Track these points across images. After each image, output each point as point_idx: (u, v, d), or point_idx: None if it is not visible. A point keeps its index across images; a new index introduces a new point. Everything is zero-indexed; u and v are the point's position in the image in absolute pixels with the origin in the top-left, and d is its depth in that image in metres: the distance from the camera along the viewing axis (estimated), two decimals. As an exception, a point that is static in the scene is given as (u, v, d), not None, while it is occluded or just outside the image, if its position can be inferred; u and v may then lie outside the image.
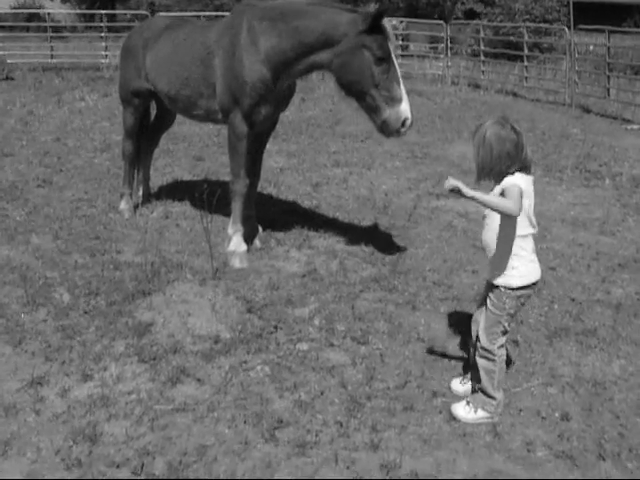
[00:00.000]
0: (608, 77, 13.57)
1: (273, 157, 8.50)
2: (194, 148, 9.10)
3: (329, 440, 3.10)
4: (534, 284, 3.21)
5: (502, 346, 3.26)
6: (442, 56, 18.53)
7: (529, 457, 3.03)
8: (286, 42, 4.66)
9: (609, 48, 13.67)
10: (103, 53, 18.91)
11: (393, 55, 4.51)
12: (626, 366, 3.78)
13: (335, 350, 3.90)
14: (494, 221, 3.16)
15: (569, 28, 14.67)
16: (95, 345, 3.88)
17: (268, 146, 7.54)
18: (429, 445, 3.09)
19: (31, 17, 27.15)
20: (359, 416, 3.27)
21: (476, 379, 3.36)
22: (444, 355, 3.87)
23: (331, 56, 4.57)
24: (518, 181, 3.03)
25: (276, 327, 4.12)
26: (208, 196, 5.18)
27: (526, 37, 16.47)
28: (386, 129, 4.60)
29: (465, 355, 3.79)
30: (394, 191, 7.20)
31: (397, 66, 4.55)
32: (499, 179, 3.07)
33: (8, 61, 17.18)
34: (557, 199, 7.05)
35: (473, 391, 3.40)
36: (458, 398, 3.42)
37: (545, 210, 6.54)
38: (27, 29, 25.67)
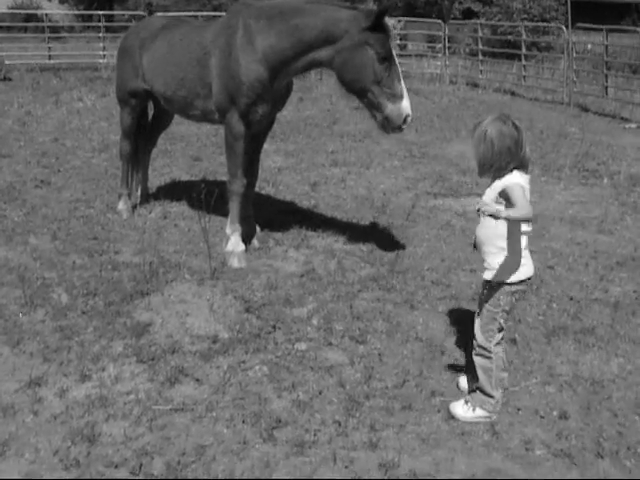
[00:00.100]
0: (606, 76, 13.59)
1: (271, 157, 8.50)
2: (192, 148, 9.10)
3: (327, 439, 3.10)
4: (528, 279, 3.22)
5: (498, 344, 3.27)
6: (440, 55, 18.55)
7: (527, 456, 3.03)
8: (285, 40, 4.66)
9: (607, 47, 13.70)
10: (101, 53, 18.90)
11: (394, 52, 4.55)
12: (624, 364, 3.78)
13: (333, 350, 3.90)
14: (489, 217, 3.16)
15: (567, 27, 14.69)
16: (93, 345, 3.88)
17: (266, 146, 7.54)
18: (427, 444, 3.09)
19: (29, 18, 27.14)
20: (357, 415, 3.27)
21: (475, 378, 3.36)
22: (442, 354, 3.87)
23: (332, 53, 4.58)
24: (519, 180, 3.04)
25: (274, 327, 4.12)
26: (206, 196, 5.18)
27: (524, 36, 16.48)
28: (388, 125, 4.64)
29: (464, 354, 3.79)
30: (392, 190, 7.20)
31: (397, 63, 4.58)
32: (498, 175, 3.09)
33: (6, 62, 17.16)
34: (555, 198, 7.06)
35: (472, 390, 3.40)
36: (457, 397, 3.42)
37: (543, 209, 6.55)
38: (25, 30, 25.68)
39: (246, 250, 5.20)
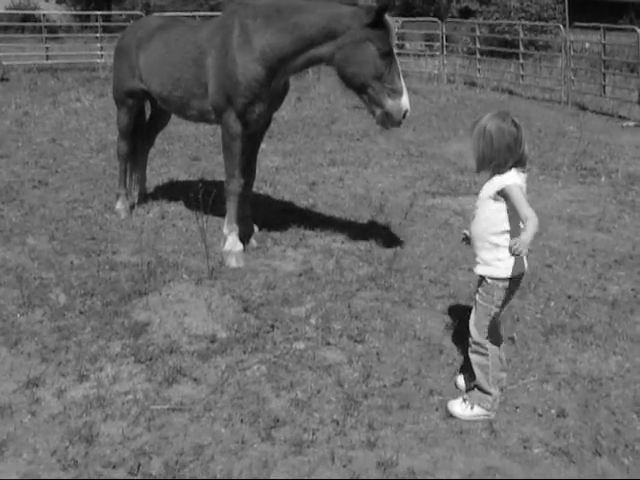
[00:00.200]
0: (604, 74, 13.61)
1: (269, 156, 8.50)
2: (190, 148, 9.10)
3: (326, 439, 3.10)
4: (521, 275, 3.23)
5: None
6: (438, 54, 18.54)
7: (525, 454, 3.03)
8: (285, 38, 4.65)
9: (605, 45, 13.72)
10: (98, 53, 18.91)
11: (394, 48, 4.58)
12: (622, 362, 3.79)
13: (332, 349, 3.90)
14: (484, 212, 3.19)
15: (565, 26, 14.69)
16: (91, 346, 3.88)
17: (264, 145, 7.54)
18: (426, 443, 3.09)
19: (26, 18, 27.11)
20: (356, 414, 3.27)
21: (472, 376, 3.37)
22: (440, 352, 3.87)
23: (333, 49, 4.59)
24: (517, 180, 3.07)
25: (272, 326, 4.12)
26: (204, 196, 5.17)
27: (522, 35, 16.47)
28: (387, 121, 4.66)
29: (462, 352, 3.79)
30: (390, 189, 7.20)
31: (397, 59, 4.61)
32: (497, 171, 3.11)
33: (3, 62, 17.15)
34: (553, 196, 7.06)
35: (470, 389, 3.41)
36: (455, 395, 3.42)
37: (541, 207, 6.54)
38: (22, 30, 25.63)
39: (244, 250, 5.19)
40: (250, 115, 4.91)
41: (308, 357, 3.79)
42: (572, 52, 14.46)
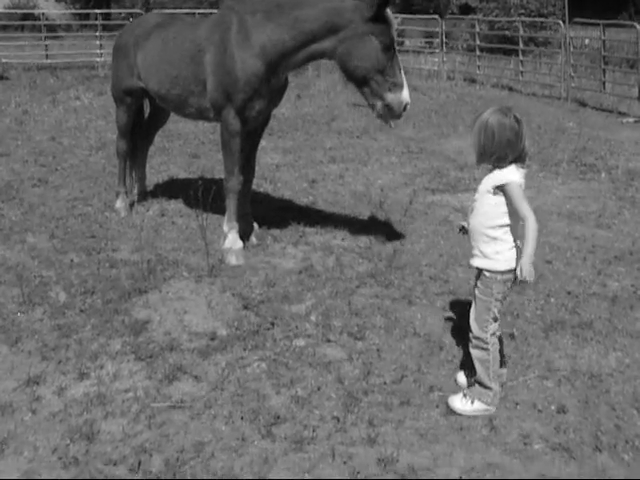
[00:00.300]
0: (604, 70, 13.59)
1: (269, 154, 8.50)
2: (190, 146, 9.10)
3: (326, 435, 3.10)
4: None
5: (494, 334, 3.28)
6: (437, 51, 18.52)
7: (526, 450, 3.03)
8: (286, 33, 4.66)
9: (604, 42, 13.69)
10: (98, 52, 18.88)
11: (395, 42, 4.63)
12: (622, 358, 3.79)
13: (332, 346, 3.90)
14: (483, 205, 3.20)
15: (564, 22, 14.67)
16: (91, 343, 3.88)
17: (264, 143, 7.54)
18: (426, 439, 3.09)
19: (26, 16, 27.06)
20: (356, 411, 3.27)
21: (473, 372, 3.37)
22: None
23: (335, 43, 4.61)
24: (516, 177, 3.08)
25: (272, 323, 4.12)
26: (204, 193, 5.17)
27: (521, 31, 16.45)
28: (387, 114, 4.70)
29: (462, 349, 3.79)
30: (390, 186, 7.20)
31: (397, 52, 4.66)
32: (497, 165, 3.13)
33: (3, 61, 17.14)
34: (553, 192, 7.06)
35: (470, 385, 3.41)
36: (455, 392, 3.42)
37: (541, 204, 6.55)
38: (22, 28, 25.59)
39: (244, 247, 5.19)
40: (249, 112, 4.91)
41: (308, 354, 3.79)
42: (572, 48, 14.45)
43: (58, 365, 3.66)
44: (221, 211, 5.46)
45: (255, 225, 5.61)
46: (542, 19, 20.67)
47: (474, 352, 3.31)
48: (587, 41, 17.90)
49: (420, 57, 19.35)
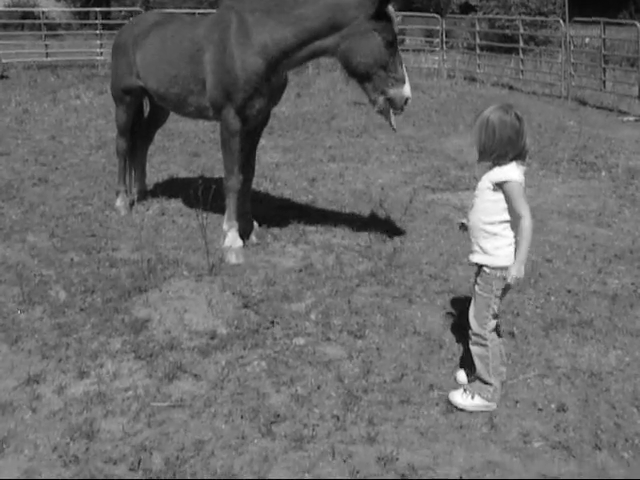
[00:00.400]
0: (604, 69, 13.57)
1: (269, 153, 8.49)
2: (190, 144, 9.09)
3: (326, 434, 3.10)
4: None
5: (493, 330, 3.28)
6: (438, 50, 18.50)
7: (525, 448, 3.03)
8: (288, 31, 4.66)
9: (605, 40, 13.67)
10: (98, 50, 18.86)
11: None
12: (622, 357, 3.79)
13: (332, 344, 3.90)
14: (482, 202, 3.21)
15: (564, 20, 14.66)
16: (91, 342, 3.88)
17: (263, 141, 7.53)
18: (426, 437, 3.10)
19: (26, 15, 27.04)
20: (356, 410, 3.27)
21: (473, 369, 3.38)
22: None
23: (338, 40, 4.64)
24: (516, 175, 3.08)
25: (272, 322, 4.12)
26: (204, 192, 5.17)
27: (522, 30, 16.43)
28: (388, 108, 4.74)
29: (462, 347, 3.80)
30: (390, 185, 7.19)
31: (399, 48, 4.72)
32: (497, 162, 3.14)
33: (3, 60, 17.12)
34: (553, 191, 7.05)
35: (471, 380, 3.42)
36: (455, 389, 3.43)
37: (541, 202, 6.55)
38: (22, 27, 25.57)
39: (244, 246, 5.19)
40: (250, 110, 4.91)
41: (308, 353, 3.79)
42: (572, 47, 14.43)
43: (58, 364, 3.66)
44: (221, 210, 5.46)
45: (255, 224, 5.61)
46: (542, 18, 20.66)
47: (473, 348, 3.32)
48: (587, 40, 17.88)
49: (420, 55, 19.32)
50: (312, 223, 5.79)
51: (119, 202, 6.18)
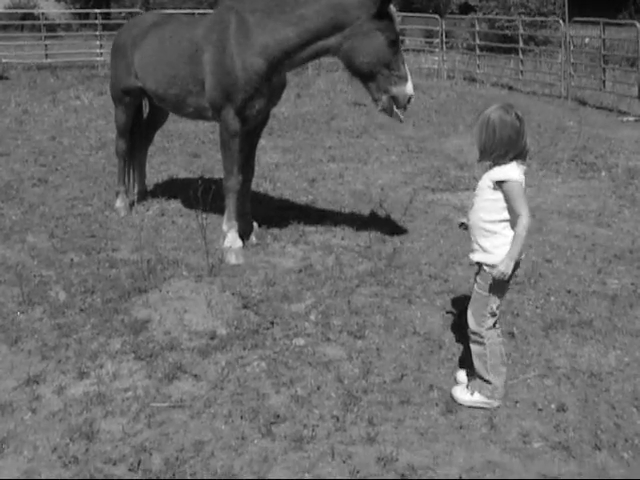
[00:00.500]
0: (604, 69, 13.57)
1: (268, 153, 8.50)
2: (190, 145, 9.09)
3: (326, 434, 3.10)
4: (517, 263, 3.23)
5: (491, 328, 3.28)
6: (437, 50, 18.50)
7: (525, 448, 3.03)
8: (290, 31, 4.66)
9: (604, 40, 13.67)
10: (98, 51, 18.87)
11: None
12: (622, 357, 3.78)
13: (331, 345, 3.90)
14: (482, 200, 3.22)
15: (564, 21, 14.67)
16: (91, 343, 3.88)
17: (263, 142, 7.53)
18: (426, 438, 3.09)
19: (25, 16, 27.06)
20: (355, 410, 3.27)
21: (472, 369, 3.39)
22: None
23: (340, 40, 4.66)
24: (516, 175, 3.09)
25: (272, 323, 4.12)
26: (204, 193, 5.17)
27: (521, 30, 16.42)
28: (391, 106, 4.77)
29: (462, 347, 3.80)
30: (390, 185, 7.19)
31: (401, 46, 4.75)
32: (498, 161, 3.15)
33: (3, 60, 17.13)
34: (553, 191, 7.05)
35: (472, 378, 3.43)
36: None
37: (541, 202, 6.55)
38: (21, 28, 25.59)
39: (243, 246, 5.19)
40: (249, 111, 4.91)
41: (308, 353, 3.79)
42: (572, 47, 14.42)
43: (58, 364, 3.66)
44: (221, 211, 5.46)
45: (255, 224, 5.61)
46: (542, 18, 20.65)
47: (472, 347, 3.35)
48: (587, 40, 17.87)
49: (420, 56, 19.33)
50: (312, 223, 5.79)
51: (119, 203, 6.18)
